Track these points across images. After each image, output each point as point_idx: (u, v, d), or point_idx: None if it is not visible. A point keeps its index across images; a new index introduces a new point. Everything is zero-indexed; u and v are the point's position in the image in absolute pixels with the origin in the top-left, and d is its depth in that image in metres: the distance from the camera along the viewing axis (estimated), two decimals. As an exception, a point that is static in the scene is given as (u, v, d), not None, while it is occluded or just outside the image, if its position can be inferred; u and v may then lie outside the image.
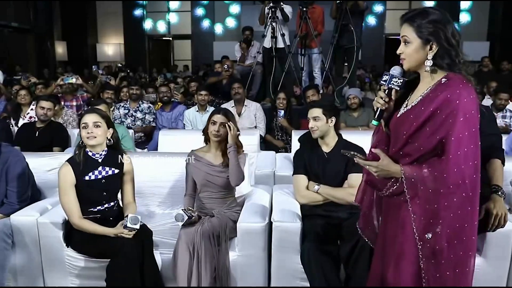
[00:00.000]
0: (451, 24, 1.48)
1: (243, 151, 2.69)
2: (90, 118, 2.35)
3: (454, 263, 1.47)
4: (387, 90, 1.58)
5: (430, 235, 1.47)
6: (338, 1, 5.53)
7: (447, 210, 1.44)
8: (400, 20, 1.56)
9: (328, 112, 2.59)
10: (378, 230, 1.77)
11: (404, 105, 1.58)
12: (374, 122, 1.62)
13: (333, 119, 2.61)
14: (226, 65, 5.78)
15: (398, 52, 1.55)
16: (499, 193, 2.08)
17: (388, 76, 1.58)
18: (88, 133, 2.32)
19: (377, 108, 1.60)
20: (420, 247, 1.50)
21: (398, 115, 1.58)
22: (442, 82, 1.47)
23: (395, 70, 1.59)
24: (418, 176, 1.47)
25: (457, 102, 1.40)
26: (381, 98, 1.58)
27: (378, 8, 12.52)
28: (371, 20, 12.51)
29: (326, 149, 2.65)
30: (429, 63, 1.49)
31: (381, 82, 1.60)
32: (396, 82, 1.57)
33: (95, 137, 2.33)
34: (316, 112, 2.60)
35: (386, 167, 1.53)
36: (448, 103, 1.42)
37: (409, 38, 1.51)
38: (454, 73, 1.47)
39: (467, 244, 1.47)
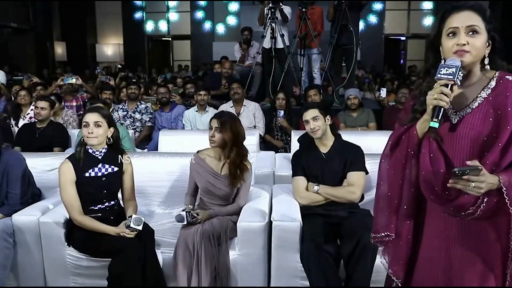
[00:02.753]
0: None
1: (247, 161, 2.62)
2: (91, 118, 2.36)
3: None
4: (451, 85, 1.33)
5: None
6: (335, 2, 5.55)
7: None
8: (456, 6, 1.37)
9: (324, 112, 2.63)
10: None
11: (451, 109, 1.39)
12: (435, 124, 1.32)
13: (329, 117, 2.64)
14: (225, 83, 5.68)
15: (462, 42, 1.33)
16: None
17: (454, 68, 1.31)
18: (89, 132, 2.35)
19: (435, 107, 1.33)
20: None
21: (454, 121, 1.39)
22: (510, 79, 1.35)
23: (456, 62, 1.32)
24: None
25: None
26: (445, 94, 1.31)
27: (377, 7, 12.55)
28: (371, 19, 12.55)
29: (323, 149, 2.67)
30: (487, 60, 1.37)
31: (441, 75, 1.33)
32: (460, 76, 1.32)
33: (96, 137, 2.36)
34: (314, 112, 2.62)
35: (490, 180, 1.26)
36: None
37: (480, 28, 1.33)
38: (505, 72, 1.38)
39: None
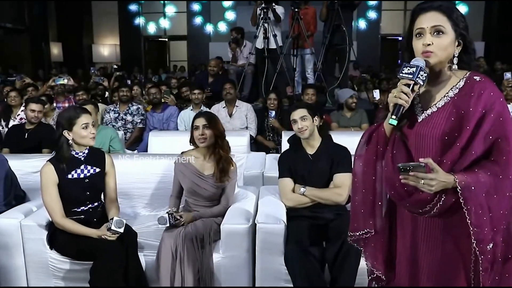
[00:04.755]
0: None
1: (233, 157, 2.67)
2: (89, 119, 2.39)
3: (508, 269, 1.36)
4: (411, 85, 1.35)
5: (491, 245, 1.31)
6: (328, 2, 5.54)
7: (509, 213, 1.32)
8: (422, 7, 1.38)
9: (312, 112, 2.61)
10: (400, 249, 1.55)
11: (419, 108, 1.42)
12: (393, 122, 1.36)
13: (317, 118, 2.63)
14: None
15: (426, 42, 1.34)
16: None
17: (415, 68, 1.33)
18: (91, 133, 2.38)
19: (395, 105, 1.36)
20: (481, 262, 1.32)
21: (419, 120, 1.40)
22: (477, 79, 1.35)
23: (419, 62, 1.34)
24: (477, 183, 1.28)
25: (501, 99, 1.32)
26: (404, 93, 1.34)
27: (373, 12, 12.55)
28: (368, 20, 12.54)
29: (310, 151, 2.64)
30: (455, 60, 1.37)
31: (403, 75, 1.35)
32: (422, 75, 1.34)
33: (95, 137, 2.42)
34: (302, 112, 2.60)
35: (443, 179, 1.28)
36: (493, 102, 1.31)
37: (445, 28, 1.33)
38: (476, 72, 1.38)
39: None
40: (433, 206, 1.34)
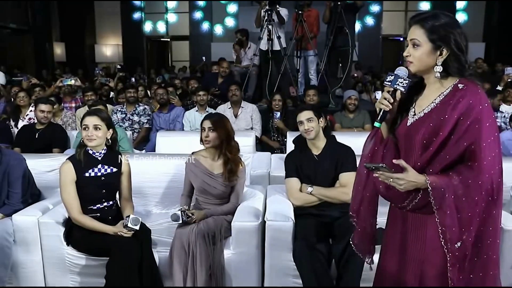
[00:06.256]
0: (461, 29, 1.45)
1: (241, 159, 2.73)
2: (91, 121, 2.45)
3: (478, 266, 1.44)
4: (391, 91, 1.51)
5: (459, 244, 1.41)
6: (332, 4, 5.62)
7: (479, 216, 1.40)
8: (410, 21, 1.50)
9: (317, 113, 2.69)
10: (389, 238, 1.67)
11: (412, 112, 1.53)
12: (377, 124, 1.53)
13: (322, 119, 2.70)
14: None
15: (405, 54, 1.48)
16: None
17: (393, 77, 1.50)
18: (88, 135, 2.43)
19: (380, 110, 1.52)
20: (449, 258, 1.43)
21: (408, 124, 1.52)
22: (460, 87, 1.43)
23: (401, 71, 1.51)
24: (448, 186, 1.39)
25: (480, 107, 1.38)
26: (385, 99, 1.50)
27: (375, 8, 12.59)
28: (368, 21, 12.59)
29: (315, 151, 2.72)
30: (438, 68, 1.44)
31: (386, 82, 1.52)
32: (401, 83, 1.49)
33: (95, 139, 2.45)
34: (308, 114, 2.68)
35: (412, 179, 1.41)
36: (471, 109, 1.38)
37: (419, 41, 1.44)
38: (466, 78, 1.45)
39: (491, 247, 1.44)
40: (409, 202, 1.49)
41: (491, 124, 1.40)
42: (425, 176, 1.42)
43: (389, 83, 1.50)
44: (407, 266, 1.57)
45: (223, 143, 2.64)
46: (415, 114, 1.52)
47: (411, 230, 1.55)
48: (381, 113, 1.52)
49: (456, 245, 1.41)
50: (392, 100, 1.50)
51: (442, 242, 1.43)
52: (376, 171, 1.46)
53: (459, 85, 1.45)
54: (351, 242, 1.79)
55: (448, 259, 1.43)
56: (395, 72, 1.51)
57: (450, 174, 1.41)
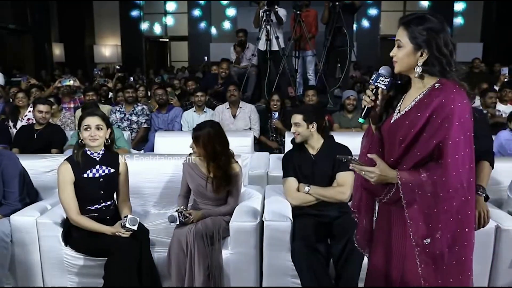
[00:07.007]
0: (446, 33, 1.48)
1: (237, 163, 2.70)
2: (93, 121, 2.45)
3: (456, 269, 1.47)
4: (374, 89, 1.59)
5: (429, 240, 1.45)
6: (330, 4, 5.63)
7: (447, 214, 1.43)
8: (398, 22, 1.56)
9: (308, 118, 2.66)
10: (377, 232, 1.72)
11: (397, 111, 1.58)
12: (361, 120, 1.63)
13: (314, 124, 2.67)
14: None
15: (391, 54, 1.55)
16: (479, 192, 2.16)
17: (375, 75, 1.59)
18: (91, 135, 2.43)
19: (364, 106, 1.60)
20: (417, 253, 1.48)
21: (391, 121, 1.57)
22: (436, 87, 1.47)
23: (383, 70, 1.59)
24: (416, 181, 1.45)
25: (452, 106, 1.41)
26: (368, 96, 1.59)
27: (373, 11, 12.61)
28: (366, 22, 12.60)
29: (312, 151, 2.72)
30: (418, 69, 1.49)
31: (370, 81, 1.62)
32: (382, 81, 1.57)
33: (97, 139, 2.45)
34: (297, 118, 2.68)
35: (383, 173, 1.50)
36: (443, 108, 1.42)
37: (402, 42, 1.51)
38: (447, 78, 1.48)
39: (468, 248, 1.47)
40: (384, 195, 1.58)
41: (462, 123, 1.42)
42: (396, 171, 1.50)
43: (371, 81, 1.59)
44: (392, 261, 1.62)
45: (207, 160, 2.60)
46: (399, 112, 1.57)
47: (395, 225, 1.61)
48: (364, 110, 1.61)
49: (424, 241, 1.46)
50: (373, 97, 1.58)
51: (411, 235, 1.49)
52: (348, 163, 1.55)
53: (436, 84, 1.49)
54: (354, 238, 1.84)
55: (417, 253, 1.48)
56: (379, 71, 1.59)
57: (420, 170, 1.46)
